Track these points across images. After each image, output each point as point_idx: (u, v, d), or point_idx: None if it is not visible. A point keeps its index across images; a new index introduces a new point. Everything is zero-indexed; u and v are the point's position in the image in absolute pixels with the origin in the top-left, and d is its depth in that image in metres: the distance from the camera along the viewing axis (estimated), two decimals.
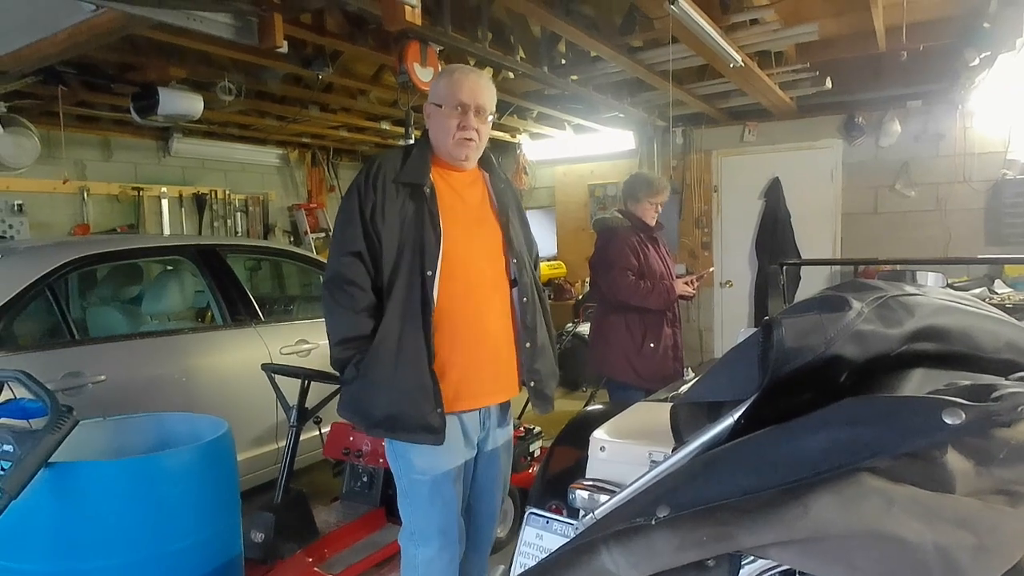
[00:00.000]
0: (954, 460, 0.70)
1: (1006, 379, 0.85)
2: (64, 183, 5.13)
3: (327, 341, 1.90)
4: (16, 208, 5.05)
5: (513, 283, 1.97)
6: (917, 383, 0.86)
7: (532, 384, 1.99)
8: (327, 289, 1.87)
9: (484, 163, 2.03)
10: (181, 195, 6.21)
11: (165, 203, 6.05)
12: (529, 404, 4.71)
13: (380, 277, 1.85)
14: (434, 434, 1.80)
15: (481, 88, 1.91)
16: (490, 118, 1.95)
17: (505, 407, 2.05)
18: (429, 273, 1.81)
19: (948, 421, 0.65)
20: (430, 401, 1.79)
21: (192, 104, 4.26)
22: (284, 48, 2.98)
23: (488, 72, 2.00)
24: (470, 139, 1.89)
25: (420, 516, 1.91)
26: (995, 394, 0.72)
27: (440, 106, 1.89)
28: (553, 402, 2.08)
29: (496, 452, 2.05)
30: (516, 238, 1.99)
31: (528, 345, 1.96)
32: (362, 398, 1.85)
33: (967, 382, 0.82)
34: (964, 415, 0.65)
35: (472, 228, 1.93)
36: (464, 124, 1.87)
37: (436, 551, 1.91)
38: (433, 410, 1.79)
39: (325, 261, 4.22)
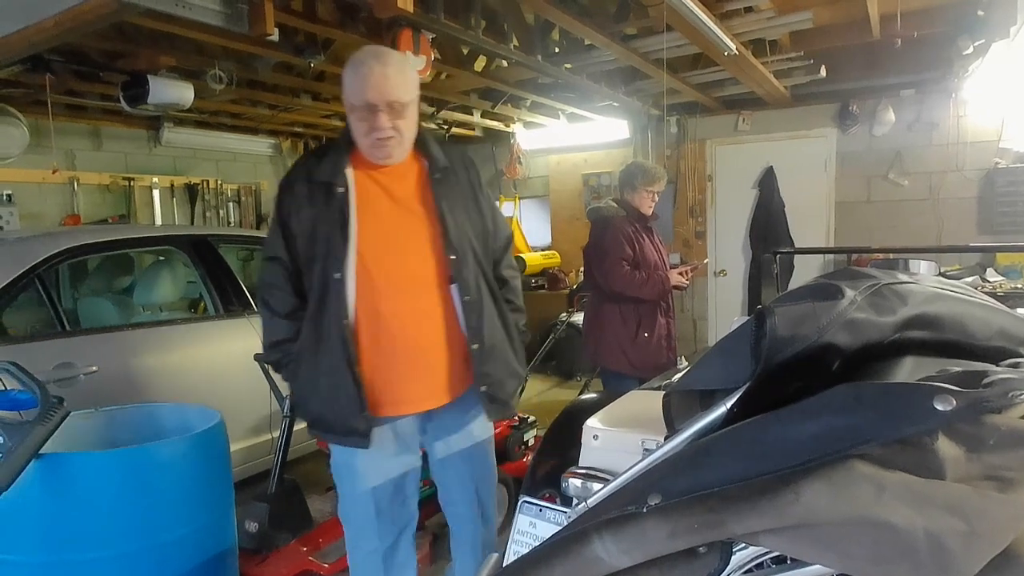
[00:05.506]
0: (945, 446, 0.70)
1: (997, 366, 0.86)
2: (54, 173, 5.09)
3: None
4: (5, 198, 5.01)
5: (452, 280, 1.79)
6: (909, 371, 0.86)
7: (483, 389, 1.83)
8: (257, 294, 1.94)
9: (422, 149, 1.84)
10: (172, 185, 6.18)
11: (156, 193, 6.01)
12: (523, 392, 4.75)
13: (302, 281, 1.82)
14: (360, 437, 1.76)
15: (389, 81, 1.68)
16: (411, 108, 1.74)
17: (465, 410, 1.90)
18: (337, 276, 1.72)
19: (939, 408, 0.65)
20: (354, 405, 1.74)
21: (182, 93, 4.22)
22: (275, 36, 2.95)
23: (401, 56, 1.85)
24: (386, 137, 1.71)
25: (349, 525, 1.94)
26: (986, 380, 0.72)
27: (352, 105, 1.71)
28: (511, 405, 1.93)
29: (452, 459, 1.94)
30: (456, 231, 1.79)
31: (476, 347, 1.81)
32: (298, 400, 1.89)
33: (958, 369, 0.82)
34: (955, 401, 0.65)
35: (398, 225, 1.79)
36: (375, 125, 1.68)
37: (362, 555, 1.93)
38: (358, 414, 1.74)
39: None
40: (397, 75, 1.70)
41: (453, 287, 1.80)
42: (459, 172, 1.87)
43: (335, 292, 1.73)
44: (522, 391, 4.71)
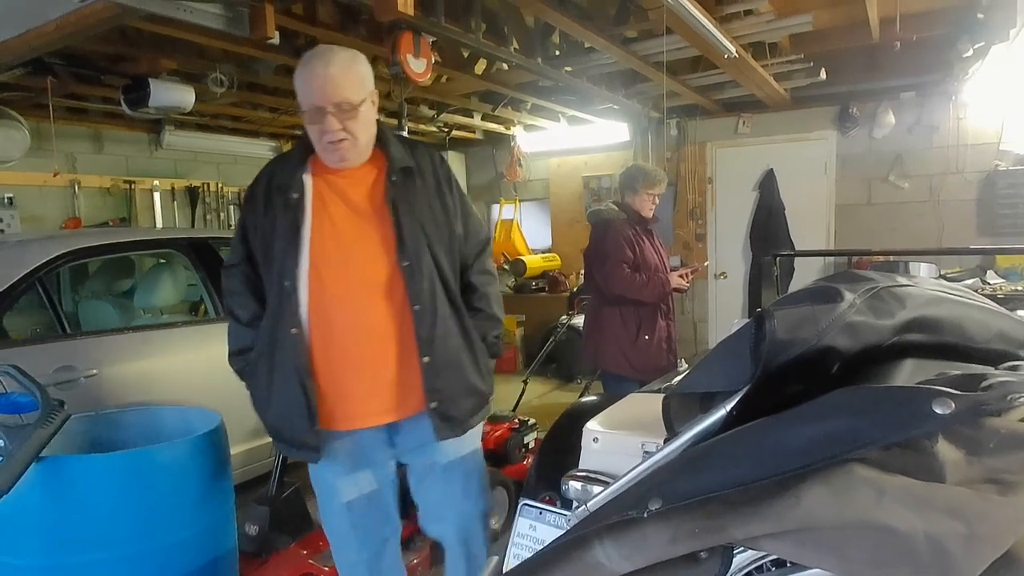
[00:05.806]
0: (945, 450, 0.70)
1: (996, 368, 0.86)
2: (55, 176, 5.09)
3: None
4: (6, 201, 5.02)
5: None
6: (908, 374, 0.86)
7: (433, 405, 1.72)
8: (222, 301, 1.88)
9: (383, 149, 1.76)
10: (173, 188, 6.18)
11: (157, 196, 6.02)
12: (523, 395, 4.74)
13: (263, 289, 1.79)
14: (311, 451, 1.72)
15: (334, 82, 1.61)
16: (364, 107, 1.66)
17: (438, 422, 1.75)
18: (287, 284, 1.67)
19: (938, 411, 0.65)
20: (304, 418, 1.69)
21: (183, 96, 4.23)
22: (276, 39, 2.95)
23: (348, 54, 1.68)
24: (337, 140, 1.64)
25: (331, 537, 1.95)
26: (985, 383, 0.72)
27: (303, 109, 1.66)
28: (467, 424, 1.80)
29: (431, 476, 1.87)
30: (412, 236, 1.69)
31: (427, 360, 1.70)
32: (255, 409, 1.82)
33: (957, 372, 0.82)
34: (954, 405, 0.65)
35: (352, 231, 1.71)
36: (324, 128, 1.62)
37: (347, 566, 1.94)
38: (309, 428, 1.69)
39: None
40: (343, 75, 1.62)
41: (409, 295, 1.71)
42: (425, 172, 1.78)
43: (287, 300, 1.68)
44: (521, 396, 4.72)
